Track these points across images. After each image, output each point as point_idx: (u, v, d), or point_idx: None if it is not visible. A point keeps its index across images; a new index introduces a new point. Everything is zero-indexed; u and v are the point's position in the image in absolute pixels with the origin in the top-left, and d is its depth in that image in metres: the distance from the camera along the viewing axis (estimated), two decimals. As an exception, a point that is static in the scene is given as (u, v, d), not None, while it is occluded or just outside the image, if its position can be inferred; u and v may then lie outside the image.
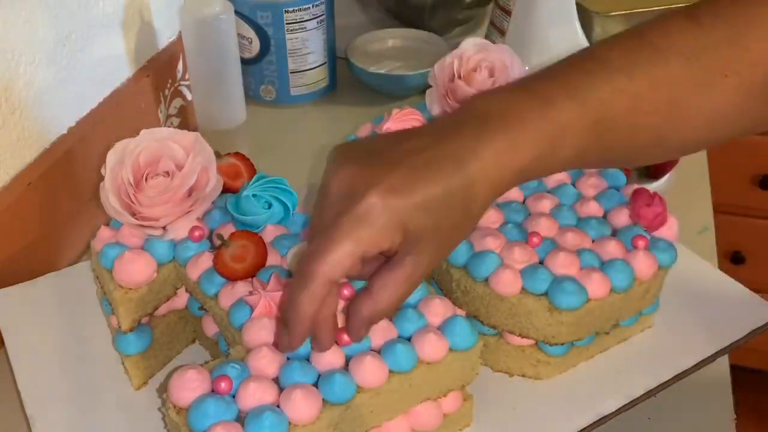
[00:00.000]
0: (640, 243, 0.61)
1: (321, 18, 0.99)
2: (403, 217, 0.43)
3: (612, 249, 0.61)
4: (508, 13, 0.96)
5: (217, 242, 0.59)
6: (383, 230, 0.43)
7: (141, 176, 0.59)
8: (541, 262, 0.60)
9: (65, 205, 0.77)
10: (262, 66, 1.01)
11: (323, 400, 0.50)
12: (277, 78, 1.02)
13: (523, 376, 0.63)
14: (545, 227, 0.62)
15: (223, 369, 0.50)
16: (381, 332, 0.53)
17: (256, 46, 0.99)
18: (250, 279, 0.57)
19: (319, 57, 1.02)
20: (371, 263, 0.46)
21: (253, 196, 0.61)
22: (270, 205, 0.62)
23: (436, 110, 0.73)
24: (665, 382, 0.61)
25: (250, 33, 0.99)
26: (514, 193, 0.66)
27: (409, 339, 0.54)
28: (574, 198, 0.66)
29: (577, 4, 0.96)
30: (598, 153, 0.49)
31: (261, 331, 0.53)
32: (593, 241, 0.62)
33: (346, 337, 0.51)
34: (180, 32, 0.91)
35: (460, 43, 0.74)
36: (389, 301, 0.46)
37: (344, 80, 1.07)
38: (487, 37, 1.02)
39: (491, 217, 0.63)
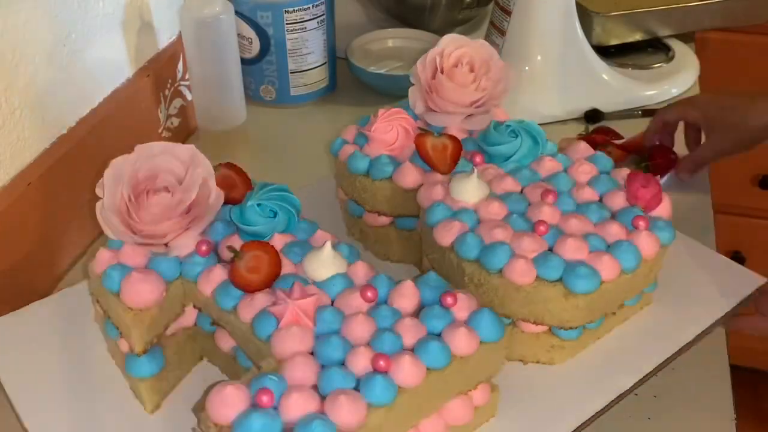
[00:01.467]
0: (641, 223, 0.63)
1: (321, 18, 0.99)
2: (701, 104, 0.84)
3: (615, 231, 0.62)
4: (508, 13, 0.96)
5: (230, 255, 0.58)
6: (690, 107, 0.84)
7: (141, 193, 0.58)
8: (550, 250, 0.61)
9: (65, 205, 0.77)
10: (262, 66, 1.01)
11: (367, 404, 0.49)
12: (277, 78, 1.02)
13: (537, 362, 0.64)
14: (549, 215, 0.63)
15: (261, 382, 0.49)
16: (411, 331, 0.53)
17: (256, 46, 0.99)
18: (267, 289, 0.57)
19: (319, 57, 1.02)
20: (694, 133, 0.87)
21: (258, 205, 0.60)
22: (275, 214, 0.61)
23: (419, 108, 0.74)
24: (672, 355, 0.64)
25: (250, 33, 0.99)
26: (511, 184, 0.67)
27: (439, 335, 0.54)
28: (569, 185, 0.67)
29: (577, 4, 0.96)
30: None
31: (292, 340, 0.52)
32: (595, 225, 0.64)
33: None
34: (180, 32, 0.91)
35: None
36: (698, 157, 0.84)
37: (344, 80, 1.07)
38: (487, 37, 1.02)
39: (495, 209, 0.64)
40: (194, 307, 0.62)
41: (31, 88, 0.72)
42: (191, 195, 0.58)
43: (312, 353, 0.52)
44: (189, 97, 0.97)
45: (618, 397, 0.60)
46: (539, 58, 0.97)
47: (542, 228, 0.61)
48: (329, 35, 1.02)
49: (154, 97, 0.90)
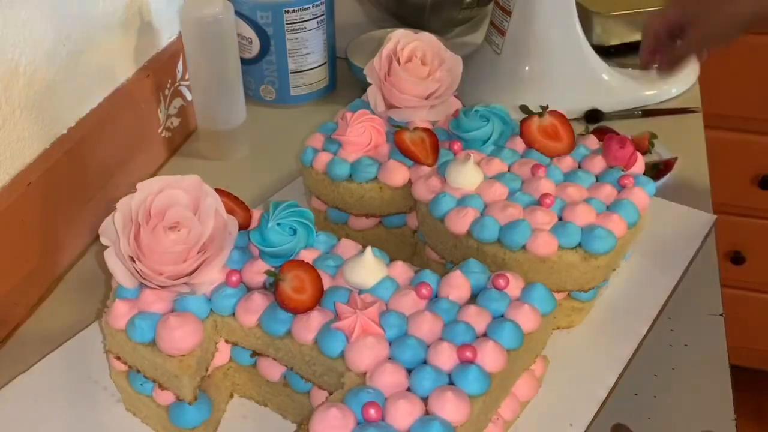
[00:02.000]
0: (627, 182, 0.67)
1: (321, 18, 0.99)
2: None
3: (608, 192, 0.66)
4: (508, 13, 0.96)
5: (259, 281, 0.57)
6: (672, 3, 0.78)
7: (156, 233, 0.55)
8: (560, 219, 0.64)
9: (65, 205, 0.77)
10: (262, 66, 1.01)
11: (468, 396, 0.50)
12: (277, 78, 1.02)
13: (558, 328, 0.66)
14: (548, 188, 0.66)
15: (360, 397, 0.49)
16: (478, 318, 0.54)
17: (256, 46, 0.99)
18: (317, 307, 0.56)
19: (319, 57, 1.02)
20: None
21: (277, 225, 0.59)
22: (295, 231, 0.60)
23: (380, 107, 0.75)
24: (666, 300, 0.70)
25: (250, 33, 0.99)
26: (498, 165, 0.69)
27: (502, 317, 0.55)
28: (548, 158, 0.70)
29: (577, 4, 0.96)
30: None
31: (370, 350, 0.52)
32: (588, 190, 0.67)
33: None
34: (180, 32, 0.91)
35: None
36: (693, 41, 0.77)
37: (344, 80, 1.07)
38: (487, 37, 1.02)
39: (499, 190, 0.66)
40: (227, 342, 0.60)
41: (31, 88, 0.72)
42: (208, 227, 0.56)
43: (389, 359, 0.52)
44: (189, 97, 0.97)
45: (638, 345, 0.65)
46: (539, 58, 0.97)
47: (548, 200, 0.64)
48: (329, 35, 1.02)
49: (154, 97, 0.90)
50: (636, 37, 1.09)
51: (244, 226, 0.61)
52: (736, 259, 1.65)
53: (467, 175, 0.66)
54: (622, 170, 0.69)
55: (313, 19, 0.98)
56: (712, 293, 0.73)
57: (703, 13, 0.76)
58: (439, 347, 0.52)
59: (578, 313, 0.67)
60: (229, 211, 0.61)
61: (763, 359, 1.70)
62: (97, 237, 0.82)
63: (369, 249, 0.58)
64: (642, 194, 0.67)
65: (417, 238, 0.73)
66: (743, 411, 0.64)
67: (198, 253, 0.56)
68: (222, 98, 0.90)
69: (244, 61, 0.98)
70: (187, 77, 0.95)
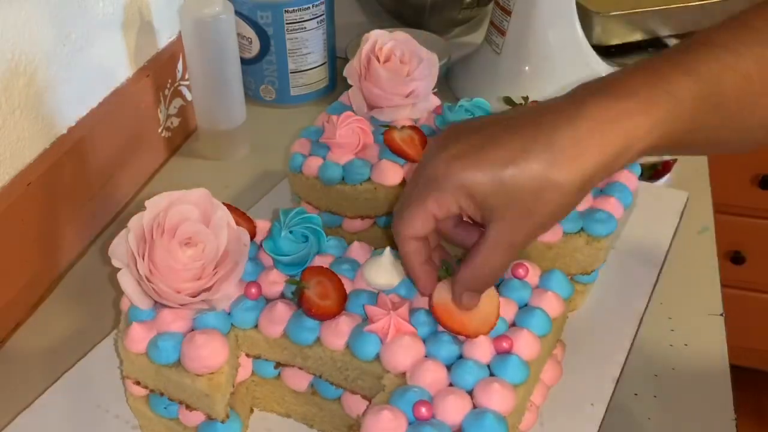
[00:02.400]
0: None
1: (321, 18, 0.99)
2: (466, 180, 0.46)
3: None
4: (508, 13, 0.96)
5: (276, 292, 0.57)
6: (447, 192, 0.46)
7: (172, 250, 0.53)
8: None
9: (65, 205, 0.77)
10: (262, 66, 1.01)
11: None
12: (277, 78, 1.02)
13: None
14: None
15: (408, 397, 0.49)
16: (505, 308, 0.55)
17: (256, 46, 0.99)
18: (344, 311, 0.55)
19: (319, 57, 1.02)
20: (468, 229, 0.52)
21: (290, 232, 0.59)
22: (307, 238, 0.59)
23: (362, 108, 0.75)
24: (656, 279, 0.71)
25: (250, 33, 0.99)
26: None
27: (526, 305, 0.56)
28: None
29: (577, 4, 0.96)
30: (707, 131, 0.49)
31: (407, 350, 0.52)
32: None
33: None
34: (180, 32, 0.91)
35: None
36: (484, 268, 0.49)
37: (344, 80, 1.07)
38: (487, 37, 1.02)
39: None
40: (247, 356, 0.59)
41: (31, 88, 0.72)
42: (223, 240, 0.55)
43: (426, 357, 0.52)
44: (189, 97, 0.97)
45: (639, 322, 0.67)
46: (539, 58, 0.97)
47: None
48: (329, 35, 1.02)
49: (153, 97, 0.90)
50: (636, 37, 1.09)
51: (250, 237, 0.60)
52: (736, 259, 1.65)
53: None
54: None
55: (313, 19, 0.98)
56: (712, 293, 0.73)
57: (511, 200, 0.46)
58: (475, 341, 0.52)
59: (580, 295, 0.68)
60: (236, 224, 0.59)
61: (763, 359, 1.70)
62: (97, 237, 0.83)
63: (388, 250, 0.57)
64: (630, 176, 0.68)
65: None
66: (743, 411, 0.64)
67: (215, 267, 0.55)
68: (222, 98, 0.90)
69: (244, 61, 0.98)
70: (187, 77, 0.95)
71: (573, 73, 0.98)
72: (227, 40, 0.87)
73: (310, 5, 0.97)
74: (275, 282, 0.58)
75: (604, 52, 1.04)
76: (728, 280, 0.71)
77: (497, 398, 0.49)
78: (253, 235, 0.61)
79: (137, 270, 0.53)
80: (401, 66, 0.74)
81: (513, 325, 0.55)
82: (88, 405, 0.62)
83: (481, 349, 0.52)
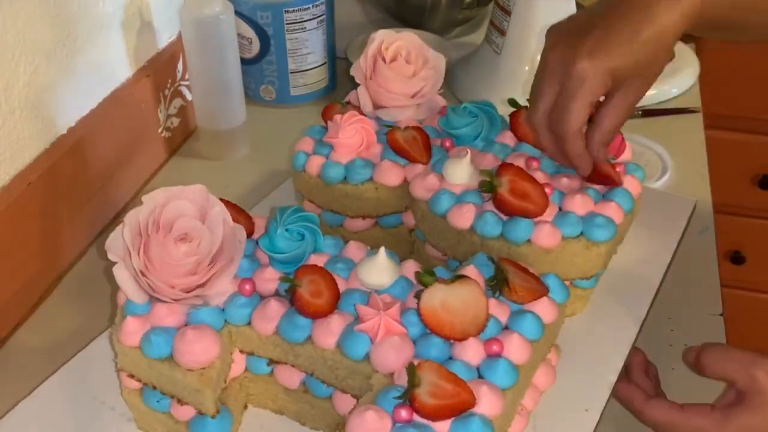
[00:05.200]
0: (619, 169, 0.67)
1: (321, 18, 0.99)
2: (608, 66, 0.58)
3: None
4: (508, 13, 0.96)
5: (270, 290, 0.57)
6: (598, 80, 0.59)
7: (167, 245, 0.54)
8: (560, 209, 0.64)
9: (65, 205, 0.77)
10: (262, 66, 1.01)
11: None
12: (277, 78, 1.02)
13: None
14: (542, 179, 0.65)
15: (392, 397, 0.48)
16: (498, 311, 0.54)
17: (256, 46, 0.99)
18: (336, 310, 0.55)
19: (319, 57, 1.02)
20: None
21: (286, 230, 0.59)
22: (303, 236, 0.59)
23: (368, 107, 0.75)
24: (662, 280, 0.70)
25: (250, 33, 0.99)
26: (492, 160, 0.68)
27: (520, 310, 0.55)
28: (537, 150, 0.70)
29: (577, 4, 0.96)
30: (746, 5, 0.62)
31: (396, 350, 0.51)
32: (582, 180, 0.67)
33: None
34: (180, 32, 0.91)
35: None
36: (612, 124, 0.62)
37: (344, 80, 1.07)
38: (487, 37, 1.02)
39: None
40: (241, 352, 0.59)
41: (31, 88, 0.72)
42: (218, 236, 0.55)
43: (415, 357, 0.52)
44: (189, 97, 0.97)
45: (640, 328, 0.65)
46: (539, 58, 0.97)
47: (548, 191, 0.64)
48: (329, 35, 1.02)
49: (153, 97, 0.90)
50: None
51: (248, 234, 0.61)
52: (736, 259, 1.65)
53: (465, 171, 0.66)
54: (612, 159, 0.68)
55: (313, 19, 0.99)
56: (712, 293, 0.73)
57: (640, 69, 0.60)
58: (465, 342, 0.52)
59: (581, 300, 0.67)
60: (234, 220, 0.59)
61: (763, 359, 1.69)
62: (97, 237, 0.82)
63: (382, 249, 0.57)
64: (635, 181, 0.67)
65: (415, 237, 0.73)
66: (743, 411, 0.64)
67: (210, 263, 0.55)
68: (222, 98, 0.91)
69: (244, 61, 0.98)
70: (187, 77, 0.95)
71: (573, 73, 0.98)
72: (227, 40, 0.87)
73: (310, 5, 0.97)
74: (270, 279, 0.58)
75: (604, 52, 1.04)
76: (728, 280, 0.70)
77: (486, 401, 0.48)
78: (250, 233, 0.61)
79: (132, 264, 0.54)
80: (407, 66, 0.74)
81: (506, 328, 0.54)
82: (85, 397, 0.62)
83: (471, 352, 0.51)
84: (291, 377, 0.59)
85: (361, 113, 0.74)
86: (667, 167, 0.89)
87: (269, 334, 0.56)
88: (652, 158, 0.91)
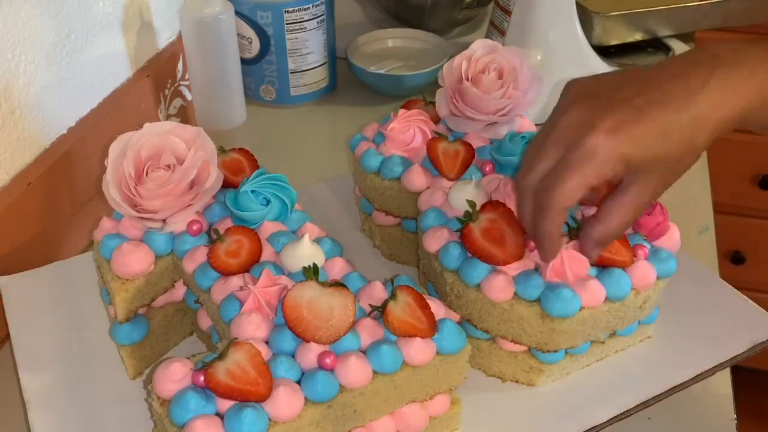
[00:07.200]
0: (640, 252, 0.60)
1: (321, 18, 0.99)
2: (625, 152, 0.49)
3: None
4: (508, 13, 0.96)
5: (213, 236, 0.59)
6: (607, 164, 0.50)
7: (142, 169, 0.60)
8: (536, 268, 0.59)
9: (65, 205, 0.77)
10: (262, 66, 1.01)
11: (305, 398, 0.50)
12: (277, 78, 1.02)
13: (516, 381, 0.63)
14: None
15: (202, 361, 0.50)
16: (368, 331, 0.53)
17: (256, 46, 0.99)
18: (242, 274, 0.58)
19: (319, 57, 1.02)
20: (598, 190, 0.54)
21: (252, 192, 0.61)
22: (268, 202, 0.62)
23: (444, 111, 0.73)
24: (660, 394, 0.60)
25: (250, 33, 0.99)
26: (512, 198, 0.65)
27: (395, 341, 0.53)
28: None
29: (577, 4, 0.96)
30: None
31: (249, 326, 0.53)
32: None
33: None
34: (180, 32, 0.91)
35: (471, 43, 0.73)
36: (617, 224, 0.53)
37: (344, 80, 1.07)
38: (487, 37, 1.02)
39: None
40: (183, 283, 0.64)
41: (31, 88, 0.72)
42: (189, 175, 0.60)
43: (267, 342, 0.53)
44: (189, 97, 0.97)
45: (591, 428, 0.58)
46: (539, 58, 0.97)
47: (532, 244, 0.58)
48: (329, 35, 1.02)
49: (154, 97, 0.90)
50: (636, 37, 1.09)
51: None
52: (736, 259, 1.65)
53: (465, 197, 0.62)
54: (644, 238, 0.61)
55: (313, 19, 0.99)
56: (712, 293, 0.73)
57: (660, 165, 0.51)
58: (307, 345, 0.52)
59: (537, 372, 0.61)
60: (237, 170, 0.66)
61: (763, 359, 1.69)
62: (97, 237, 0.83)
63: (306, 236, 0.59)
64: (646, 270, 0.59)
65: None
66: (743, 411, 0.64)
67: (172, 196, 0.60)
68: (222, 98, 0.91)
69: (244, 61, 0.98)
70: (187, 77, 0.95)
71: (573, 73, 0.97)
72: (227, 40, 0.87)
73: (310, 5, 0.97)
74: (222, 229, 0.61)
75: (604, 52, 1.04)
76: (728, 280, 0.70)
77: (278, 404, 0.48)
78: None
79: (106, 175, 0.60)
80: (496, 81, 0.70)
81: (364, 351, 0.52)
82: (90, 283, 0.70)
83: (310, 355, 0.51)
84: (204, 319, 0.63)
85: (436, 115, 0.73)
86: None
87: (190, 273, 0.60)
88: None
